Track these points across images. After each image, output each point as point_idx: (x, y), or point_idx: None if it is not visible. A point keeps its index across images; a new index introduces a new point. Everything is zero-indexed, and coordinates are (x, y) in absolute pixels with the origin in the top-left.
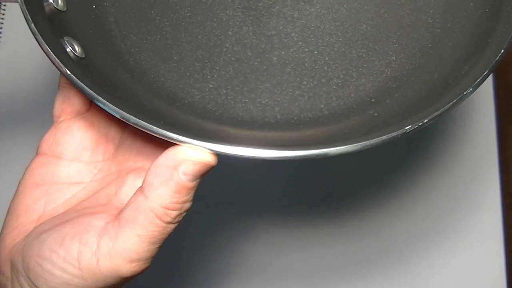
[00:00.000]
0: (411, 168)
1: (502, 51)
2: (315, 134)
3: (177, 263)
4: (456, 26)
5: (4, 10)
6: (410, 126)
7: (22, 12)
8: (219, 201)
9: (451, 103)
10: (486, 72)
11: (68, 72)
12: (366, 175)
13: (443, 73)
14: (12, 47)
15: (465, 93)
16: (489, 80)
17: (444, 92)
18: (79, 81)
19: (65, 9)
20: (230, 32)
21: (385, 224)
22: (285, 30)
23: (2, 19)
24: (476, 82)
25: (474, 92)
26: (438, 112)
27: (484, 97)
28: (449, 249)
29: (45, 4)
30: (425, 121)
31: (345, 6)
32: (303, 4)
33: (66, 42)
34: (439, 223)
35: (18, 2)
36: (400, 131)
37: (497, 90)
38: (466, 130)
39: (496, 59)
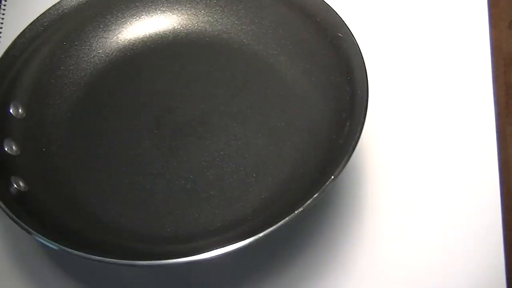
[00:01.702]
0: (411, 168)
1: (332, 177)
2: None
3: None
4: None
5: (4, 10)
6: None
7: None
8: None
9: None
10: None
11: (6, 209)
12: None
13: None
14: None
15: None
16: (489, 80)
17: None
18: (15, 217)
19: (18, 153)
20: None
21: (385, 224)
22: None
23: (2, 19)
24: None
25: (474, 92)
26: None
27: (484, 97)
28: (449, 249)
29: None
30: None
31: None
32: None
33: (12, 180)
34: (439, 223)
35: None
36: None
37: (496, 90)
38: (466, 130)
39: (326, 184)
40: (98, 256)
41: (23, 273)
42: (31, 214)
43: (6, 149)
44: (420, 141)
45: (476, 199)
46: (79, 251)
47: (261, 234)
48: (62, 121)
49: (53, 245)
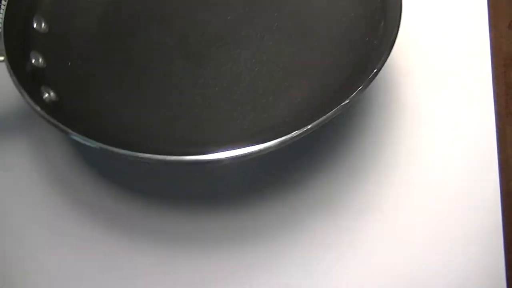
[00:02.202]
0: (411, 168)
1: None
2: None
3: None
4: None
5: (4, 10)
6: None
7: (6, 67)
8: None
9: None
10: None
11: (42, 113)
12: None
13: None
14: None
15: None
16: (489, 80)
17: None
18: (51, 119)
19: (45, 66)
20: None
21: (385, 224)
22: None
23: (2, 19)
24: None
25: (473, 92)
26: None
27: (484, 97)
28: (449, 249)
29: (27, 62)
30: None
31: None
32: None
33: (43, 89)
34: (439, 223)
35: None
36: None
37: (496, 90)
38: (466, 130)
39: (369, 77)
40: (131, 151)
41: (55, 178)
42: (64, 119)
43: (33, 61)
44: (420, 140)
45: (476, 199)
46: (116, 147)
47: (299, 132)
48: (86, 35)
49: (90, 143)
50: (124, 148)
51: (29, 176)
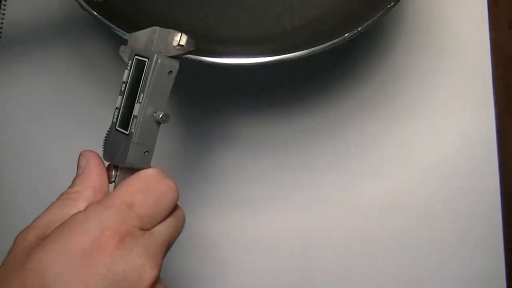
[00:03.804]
0: (411, 168)
1: None
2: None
3: None
4: None
5: (4, 10)
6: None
7: None
8: None
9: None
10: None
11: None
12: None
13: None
14: (12, 47)
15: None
16: (489, 80)
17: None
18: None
19: None
20: None
21: (385, 226)
22: None
23: (2, 19)
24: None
25: (474, 92)
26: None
27: (484, 97)
28: (449, 249)
29: None
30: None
31: None
32: None
33: None
34: (439, 223)
35: None
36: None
37: (496, 90)
38: (466, 130)
39: None
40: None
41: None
42: (111, 17)
43: None
44: (420, 141)
45: (476, 199)
46: None
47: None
48: None
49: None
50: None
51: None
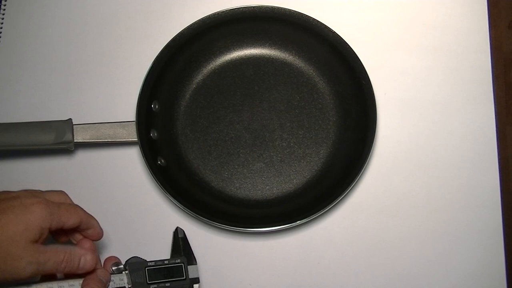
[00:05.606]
0: (411, 168)
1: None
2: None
3: None
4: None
5: (4, 10)
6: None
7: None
8: None
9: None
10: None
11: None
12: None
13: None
14: (12, 47)
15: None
16: (489, 80)
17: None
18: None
19: (158, 138)
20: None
21: (386, 226)
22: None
23: (2, 19)
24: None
25: (474, 92)
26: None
27: (484, 97)
28: (449, 249)
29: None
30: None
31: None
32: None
33: (158, 158)
34: (439, 222)
35: (137, 142)
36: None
37: (497, 90)
38: (466, 130)
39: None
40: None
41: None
42: (168, 182)
43: (151, 135)
44: (420, 141)
45: (476, 199)
46: (204, 217)
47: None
48: (181, 114)
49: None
50: (209, 218)
51: None
